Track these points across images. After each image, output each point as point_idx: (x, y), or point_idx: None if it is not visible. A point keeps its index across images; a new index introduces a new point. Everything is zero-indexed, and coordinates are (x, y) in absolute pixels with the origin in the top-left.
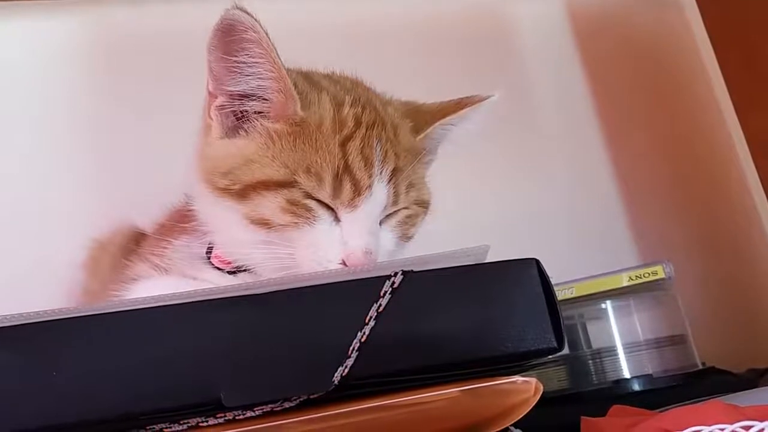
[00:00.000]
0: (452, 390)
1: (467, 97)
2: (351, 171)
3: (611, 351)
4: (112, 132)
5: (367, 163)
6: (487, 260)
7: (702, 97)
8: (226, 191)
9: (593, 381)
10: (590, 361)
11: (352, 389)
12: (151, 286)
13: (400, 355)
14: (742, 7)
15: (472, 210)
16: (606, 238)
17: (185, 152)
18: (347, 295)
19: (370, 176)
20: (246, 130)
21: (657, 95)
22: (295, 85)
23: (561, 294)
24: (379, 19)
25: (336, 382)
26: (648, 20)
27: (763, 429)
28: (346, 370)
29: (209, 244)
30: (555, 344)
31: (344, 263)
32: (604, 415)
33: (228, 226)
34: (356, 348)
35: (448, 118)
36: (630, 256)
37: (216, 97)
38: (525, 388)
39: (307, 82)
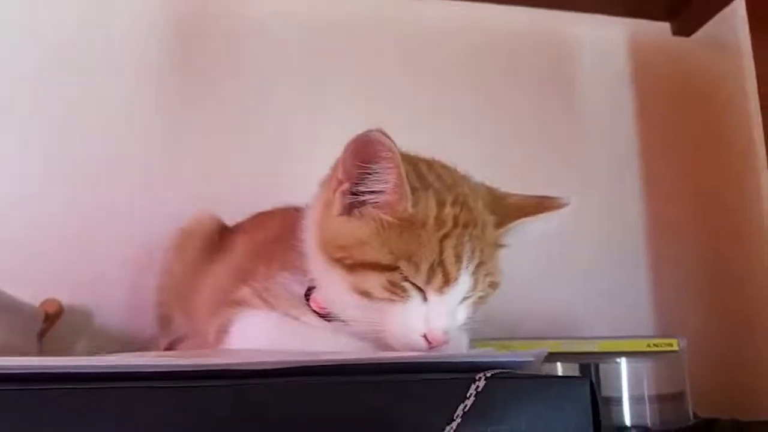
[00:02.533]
0: None
1: (547, 199)
2: (444, 264)
3: (618, 401)
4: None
5: (458, 259)
6: None
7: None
8: (339, 262)
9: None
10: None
11: None
12: (262, 320)
13: None
14: None
15: None
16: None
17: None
18: (438, 388)
19: (459, 270)
20: (361, 213)
21: (702, 145)
22: (407, 179)
23: (585, 347)
24: (442, 35)
25: None
26: (708, 61)
27: None
28: None
29: (309, 285)
30: None
31: (425, 337)
32: None
33: (335, 288)
34: None
35: (528, 219)
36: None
37: (342, 183)
38: None
39: (416, 175)
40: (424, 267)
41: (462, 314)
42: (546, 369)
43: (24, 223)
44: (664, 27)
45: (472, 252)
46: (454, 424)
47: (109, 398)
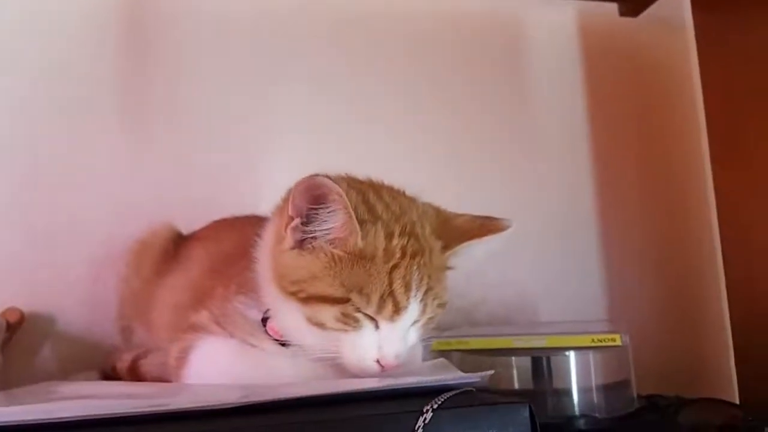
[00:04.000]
0: None
1: (490, 221)
2: (394, 294)
3: (567, 392)
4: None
5: (407, 288)
6: None
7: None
8: (292, 295)
9: (549, 414)
10: (549, 398)
11: None
12: (220, 348)
13: None
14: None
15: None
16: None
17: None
18: (387, 421)
19: (408, 298)
20: (313, 247)
21: (648, 121)
22: (356, 213)
23: (534, 342)
24: (389, 17)
25: None
26: (654, 41)
27: None
28: None
29: (264, 314)
30: None
31: (378, 362)
32: None
33: (290, 318)
34: None
35: (473, 242)
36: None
37: (293, 219)
38: None
39: (366, 206)
40: (375, 298)
41: (413, 337)
42: (502, 362)
43: None
44: (611, 8)
45: (420, 280)
46: None
47: None
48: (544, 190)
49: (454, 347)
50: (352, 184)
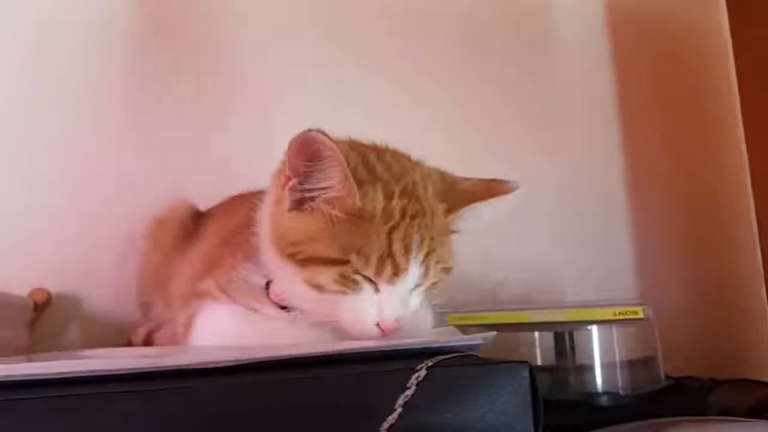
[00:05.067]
0: None
1: (497, 183)
2: (393, 255)
3: (590, 367)
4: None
5: (407, 250)
6: None
7: (719, 104)
8: (291, 257)
9: (571, 390)
10: (572, 373)
11: None
12: (223, 314)
13: None
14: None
15: None
16: (605, 235)
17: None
18: (379, 379)
19: (408, 260)
20: (312, 208)
21: (679, 92)
22: (355, 173)
23: (554, 316)
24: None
25: None
26: (682, 14)
27: None
28: None
29: (267, 278)
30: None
31: (379, 326)
32: (572, 422)
33: (289, 281)
34: (386, 429)
35: (477, 204)
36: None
37: (290, 180)
38: None
39: (365, 167)
40: (374, 260)
41: (415, 301)
42: (524, 338)
43: (10, 214)
44: None
45: (421, 242)
46: (395, 414)
47: (59, 405)
48: (571, 166)
49: (471, 322)
50: (353, 145)
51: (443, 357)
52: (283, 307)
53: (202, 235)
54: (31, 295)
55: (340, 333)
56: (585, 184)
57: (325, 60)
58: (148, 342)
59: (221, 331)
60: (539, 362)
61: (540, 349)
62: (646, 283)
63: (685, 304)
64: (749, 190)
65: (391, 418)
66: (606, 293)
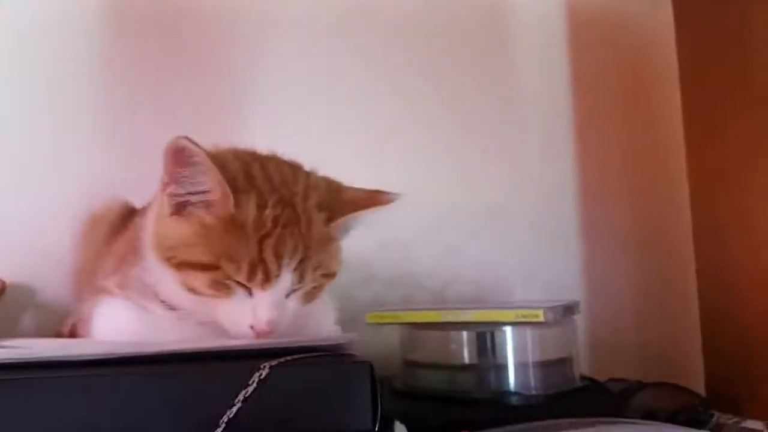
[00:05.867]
0: None
1: (378, 194)
2: (264, 262)
3: (504, 366)
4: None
5: (278, 257)
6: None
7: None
8: (167, 261)
9: (491, 388)
10: (492, 372)
11: None
12: (115, 310)
13: (258, 429)
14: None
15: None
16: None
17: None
18: (227, 375)
19: (279, 267)
20: (189, 213)
21: (629, 106)
22: (234, 182)
23: (462, 317)
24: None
25: None
26: (639, 17)
27: None
28: None
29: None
30: (371, 428)
31: (252, 328)
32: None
33: (169, 284)
34: (224, 422)
35: (357, 213)
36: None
37: (169, 185)
38: None
39: (245, 176)
40: (245, 266)
41: (293, 305)
42: (452, 336)
43: None
44: None
45: (294, 249)
46: (234, 409)
47: None
48: (525, 170)
49: (386, 320)
50: (238, 155)
51: (291, 357)
52: (171, 307)
53: (126, 231)
54: None
55: (223, 332)
56: (538, 188)
57: (302, 61)
58: (72, 332)
59: (111, 326)
60: (466, 360)
61: (466, 348)
62: (592, 286)
63: (628, 308)
64: (688, 202)
65: (230, 413)
66: (553, 294)
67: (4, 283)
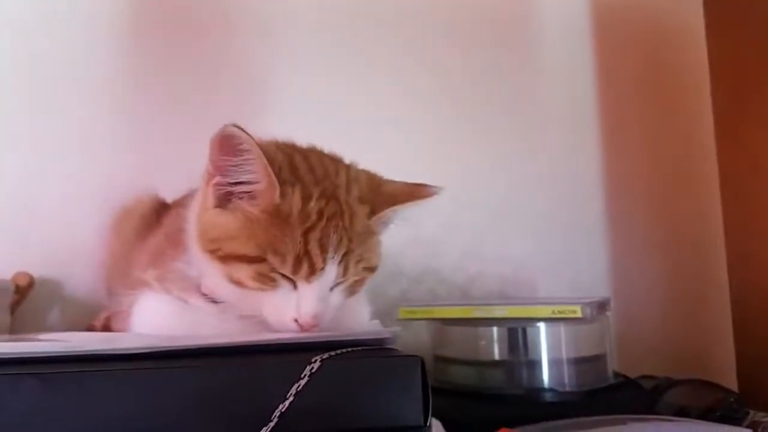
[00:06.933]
0: None
1: (419, 187)
2: (309, 255)
3: (538, 363)
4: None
5: (323, 250)
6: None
7: (695, 108)
8: (212, 254)
9: (522, 385)
10: (524, 369)
11: None
12: (155, 304)
13: (310, 422)
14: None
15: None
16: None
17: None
18: (279, 369)
19: (324, 260)
20: (234, 206)
21: (657, 100)
22: (279, 174)
23: (496, 312)
24: None
25: None
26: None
27: None
28: (269, 430)
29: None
30: (422, 423)
31: (297, 321)
32: (518, 416)
33: (213, 277)
34: (277, 416)
35: (398, 206)
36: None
37: (214, 176)
38: None
39: (290, 168)
40: (290, 259)
41: (337, 298)
42: (481, 332)
43: None
44: None
45: (339, 242)
46: (287, 403)
47: None
48: (549, 163)
49: (419, 315)
50: (280, 146)
51: (341, 351)
52: (213, 300)
53: (160, 225)
54: (13, 278)
55: (265, 326)
56: (564, 183)
57: (317, 59)
58: (106, 325)
59: (152, 319)
60: (496, 357)
61: (497, 344)
62: (619, 281)
63: (656, 304)
64: (719, 195)
65: (282, 406)
66: (580, 290)
67: (32, 277)
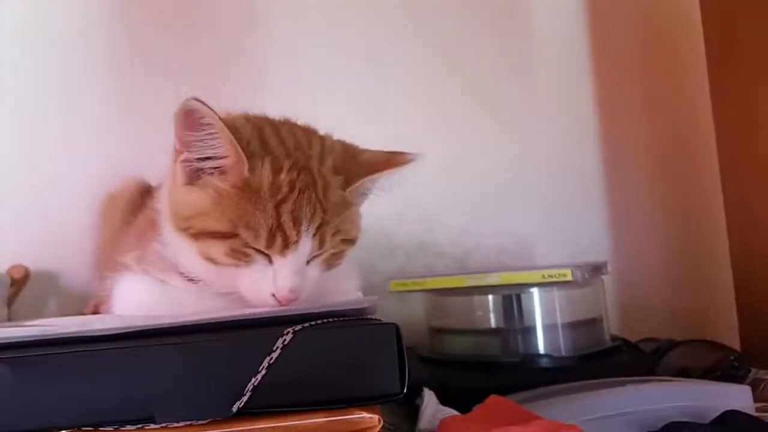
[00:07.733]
0: (320, 419)
1: (395, 155)
2: (282, 228)
3: (532, 329)
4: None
5: (296, 222)
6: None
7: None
8: (184, 231)
9: (518, 352)
10: (519, 335)
11: (248, 414)
12: (135, 285)
13: (284, 394)
14: None
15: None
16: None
17: None
18: (251, 343)
19: (298, 233)
20: (203, 182)
21: (654, 55)
22: (247, 147)
23: (488, 280)
24: None
25: (234, 411)
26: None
27: None
28: (242, 404)
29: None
30: (399, 391)
31: (274, 296)
32: (513, 384)
33: (187, 255)
34: (250, 389)
35: (375, 176)
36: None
37: (181, 153)
38: (370, 421)
39: (259, 141)
40: (263, 233)
41: (315, 272)
42: (476, 300)
43: None
44: None
45: (312, 214)
46: (259, 376)
47: None
48: (546, 130)
49: (409, 287)
50: (249, 119)
51: (314, 322)
52: (190, 279)
53: (145, 208)
54: (8, 271)
55: (243, 303)
56: (561, 150)
57: (316, 46)
58: (95, 312)
59: (131, 300)
60: (492, 324)
61: (492, 312)
62: (620, 248)
63: (657, 268)
64: (716, 157)
65: (255, 380)
66: (579, 257)
67: (27, 270)
